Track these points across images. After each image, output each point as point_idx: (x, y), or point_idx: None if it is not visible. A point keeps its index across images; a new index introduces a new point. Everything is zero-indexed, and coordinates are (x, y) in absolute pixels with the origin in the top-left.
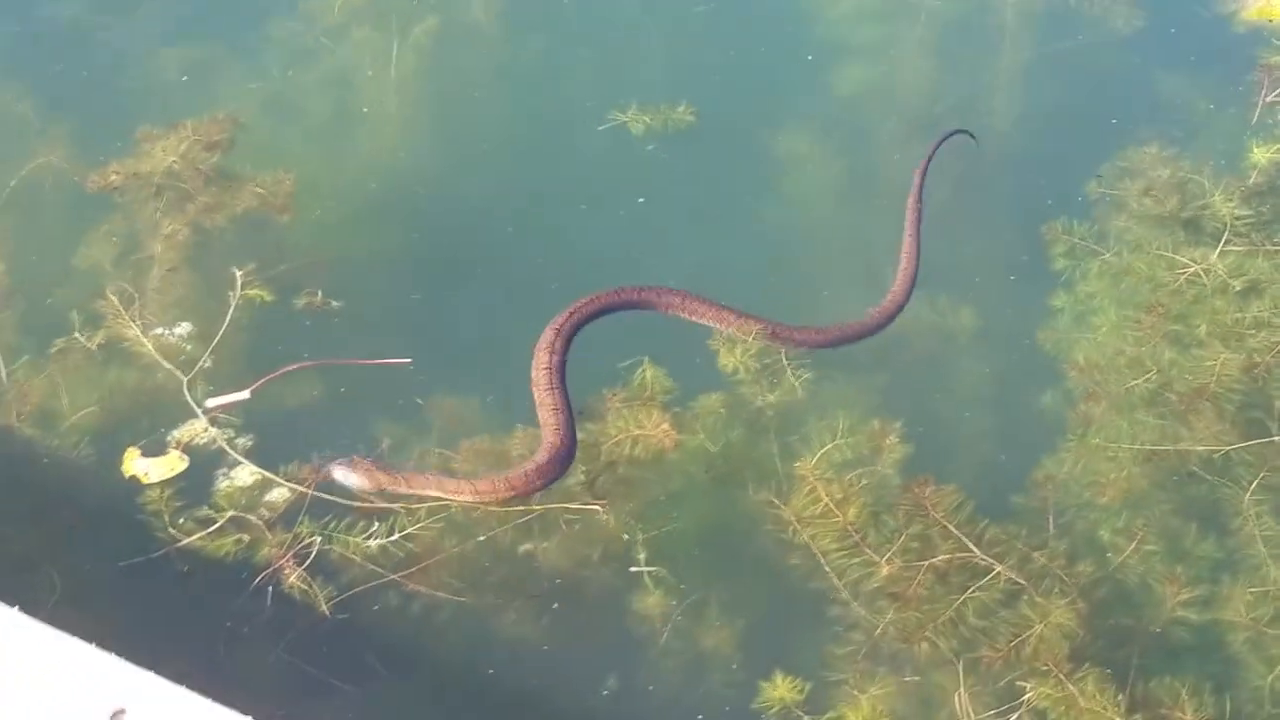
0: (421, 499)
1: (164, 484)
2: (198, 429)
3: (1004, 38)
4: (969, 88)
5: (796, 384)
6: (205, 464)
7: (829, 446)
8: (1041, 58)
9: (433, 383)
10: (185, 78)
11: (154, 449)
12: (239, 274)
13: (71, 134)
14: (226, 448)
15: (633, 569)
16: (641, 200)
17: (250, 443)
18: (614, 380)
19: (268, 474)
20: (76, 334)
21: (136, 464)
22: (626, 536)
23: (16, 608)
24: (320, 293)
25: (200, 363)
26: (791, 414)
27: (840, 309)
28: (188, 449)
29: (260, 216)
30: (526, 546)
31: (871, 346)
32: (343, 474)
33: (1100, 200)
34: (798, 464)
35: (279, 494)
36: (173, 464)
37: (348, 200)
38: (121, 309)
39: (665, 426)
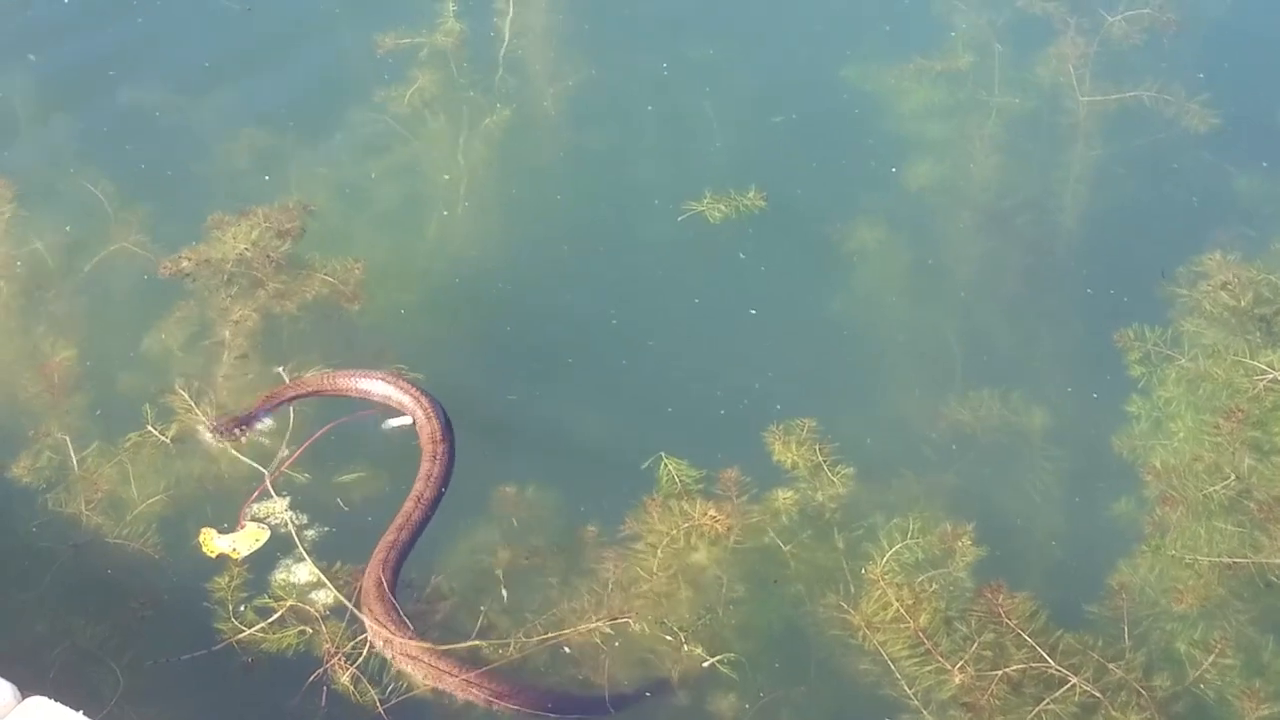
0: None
1: (242, 562)
2: (274, 508)
3: (1076, 135)
4: (1039, 184)
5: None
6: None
7: (898, 547)
8: (1113, 156)
9: (499, 475)
10: (257, 164)
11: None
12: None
13: (146, 219)
14: (295, 537)
15: (704, 663)
16: (754, 312)
17: (314, 534)
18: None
19: (323, 576)
20: (150, 427)
21: (219, 542)
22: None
23: (80, 712)
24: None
25: (279, 456)
26: (856, 511)
27: (898, 403)
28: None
29: (330, 304)
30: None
31: (939, 443)
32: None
33: (1174, 301)
34: (866, 568)
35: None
36: (256, 536)
37: (416, 290)
38: (192, 402)
39: (713, 513)
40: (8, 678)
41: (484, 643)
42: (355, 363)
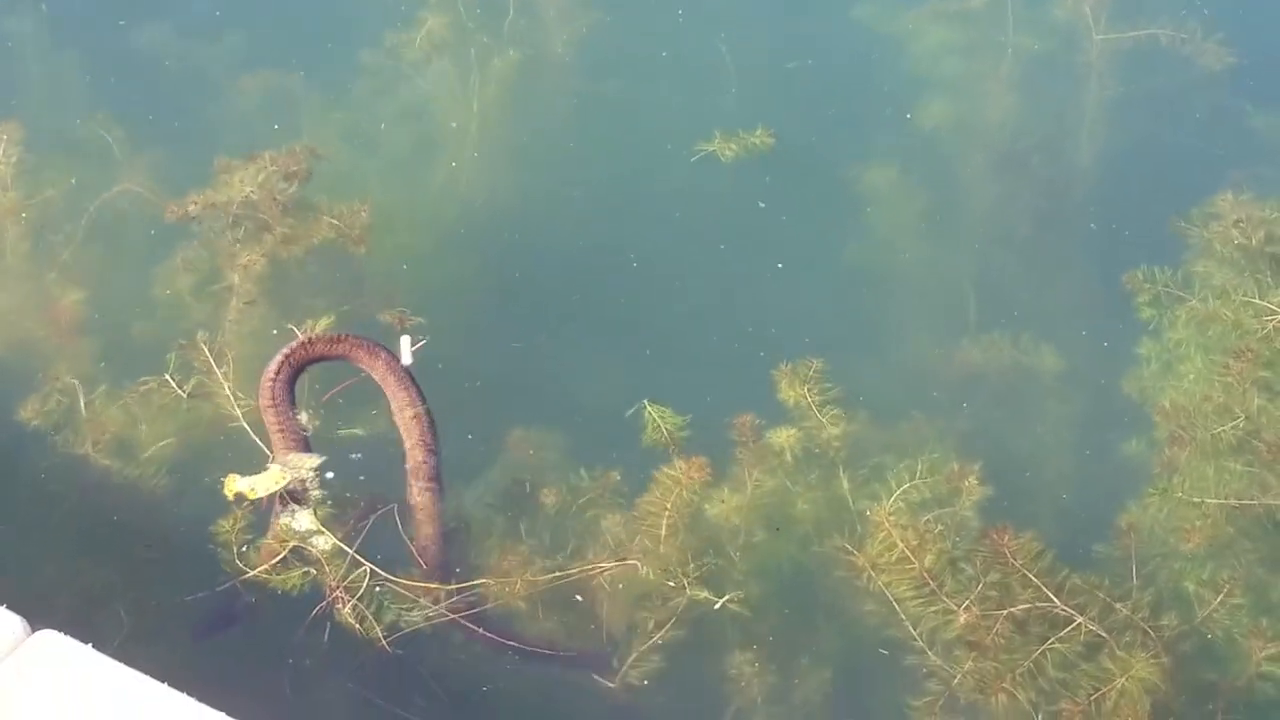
0: None
1: (249, 505)
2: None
3: (1091, 75)
4: (1054, 125)
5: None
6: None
7: (905, 487)
8: (1129, 96)
9: (514, 418)
10: (266, 109)
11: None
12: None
13: (154, 165)
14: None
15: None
16: (762, 205)
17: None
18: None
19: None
20: (168, 376)
21: (240, 483)
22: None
23: (90, 645)
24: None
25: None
26: (863, 452)
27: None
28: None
29: (337, 249)
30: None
31: (949, 382)
32: None
33: (1186, 241)
34: (873, 509)
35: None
36: (276, 479)
37: (425, 234)
38: (209, 355)
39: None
40: (18, 613)
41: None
42: (365, 309)
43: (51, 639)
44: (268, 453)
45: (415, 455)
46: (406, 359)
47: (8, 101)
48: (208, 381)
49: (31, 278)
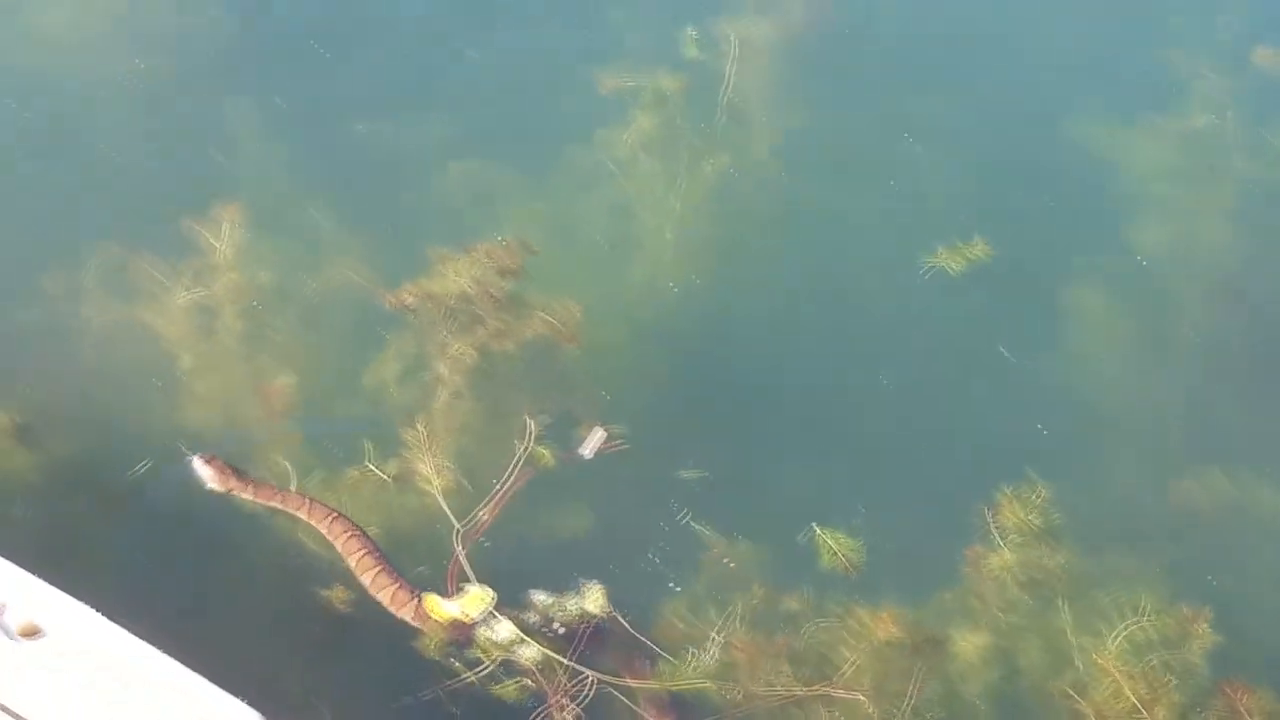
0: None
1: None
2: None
3: None
4: (1273, 254)
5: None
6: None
7: (1129, 625)
8: None
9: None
10: (476, 198)
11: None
12: (533, 424)
13: (365, 249)
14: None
15: None
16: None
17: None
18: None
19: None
20: (369, 464)
21: (447, 607)
22: None
23: None
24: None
25: (476, 512)
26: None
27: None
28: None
29: (548, 344)
30: None
31: (1162, 515)
32: (199, 466)
33: None
34: (1096, 653)
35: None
36: (481, 598)
37: (629, 334)
38: (424, 441)
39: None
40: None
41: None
42: (568, 406)
43: None
44: (468, 573)
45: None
46: (588, 452)
47: (233, 185)
48: (416, 473)
49: (246, 359)
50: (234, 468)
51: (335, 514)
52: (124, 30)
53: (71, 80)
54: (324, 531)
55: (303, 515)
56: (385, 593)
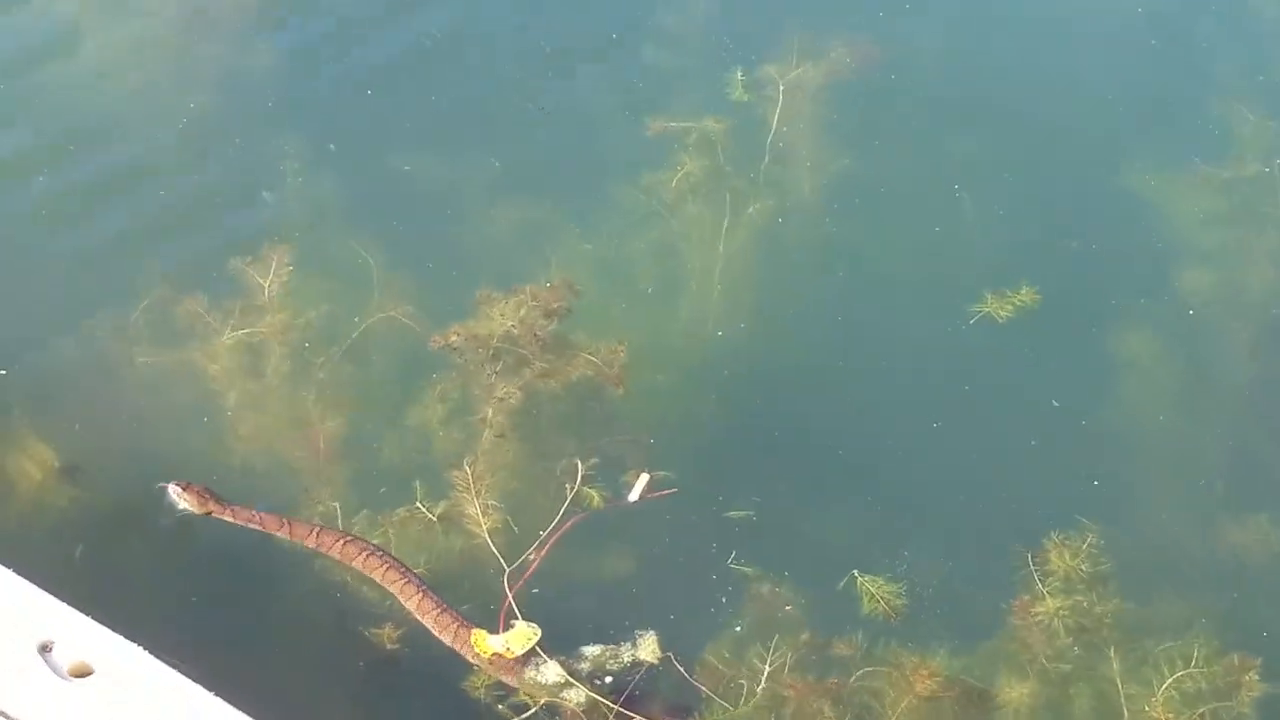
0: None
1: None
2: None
3: None
4: None
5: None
6: None
7: (1179, 675)
8: None
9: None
10: (521, 238)
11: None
12: (580, 467)
13: (412, 289)
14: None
15: None
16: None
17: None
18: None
19: (572, 680)
20: (419, 504)
21: (493, 641)
22: None
23: None
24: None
25: (525, 556)
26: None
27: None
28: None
29: (594, 386)
30: None
31: (1208, 562)
32: (175, 493)
33: None
34: (1147, 706)
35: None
36: (527, 635)
37: (675, 377)
38: (470, 481)
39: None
40: None
41: None
42: (613, 448)
43: None
44: (515, 611)
45: None
46: (634, 495)
47: (282, 225)
48: (463, 514)
49: (292, 399)
50: (212, 492)
51: (348, 538)
52: (177, 70)
53: (124, 121)
54: (339, 556)
55: (285, 535)
56: (429, 616)
